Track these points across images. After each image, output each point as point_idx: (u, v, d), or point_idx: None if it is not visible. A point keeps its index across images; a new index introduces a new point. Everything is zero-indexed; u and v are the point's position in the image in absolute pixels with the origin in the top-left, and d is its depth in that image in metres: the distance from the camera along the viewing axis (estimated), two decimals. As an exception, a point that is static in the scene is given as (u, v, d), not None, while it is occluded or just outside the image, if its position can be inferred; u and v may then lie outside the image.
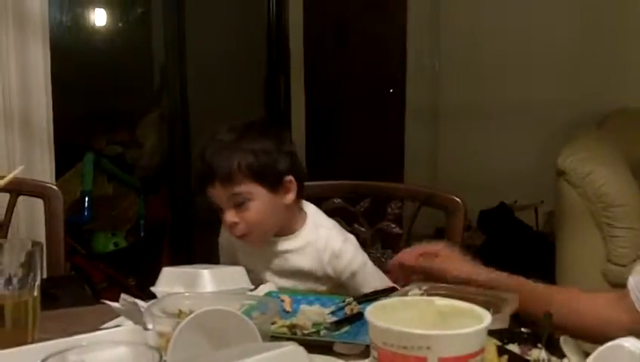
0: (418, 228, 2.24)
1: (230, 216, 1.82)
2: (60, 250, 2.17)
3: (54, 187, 2.27)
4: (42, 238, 2.21)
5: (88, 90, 4.55)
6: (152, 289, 1.57)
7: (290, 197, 1.85)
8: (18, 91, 2.68)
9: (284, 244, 1.89)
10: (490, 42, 5.26)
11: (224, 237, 1.98)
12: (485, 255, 4.25)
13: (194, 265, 1.62)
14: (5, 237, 2.20)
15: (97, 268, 3.94)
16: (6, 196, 2.22)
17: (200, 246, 4.51)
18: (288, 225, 1.90)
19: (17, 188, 2.19)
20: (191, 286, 1.53)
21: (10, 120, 2.69)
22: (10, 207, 2.22)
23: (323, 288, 1.87)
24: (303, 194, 1.91)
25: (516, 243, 4.36)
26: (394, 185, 2.20)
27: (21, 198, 2.27)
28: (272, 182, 1.82)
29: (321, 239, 1.89)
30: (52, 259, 2.14)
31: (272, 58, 5.09)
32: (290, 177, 1.84)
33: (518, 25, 5.18)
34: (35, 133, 2.73)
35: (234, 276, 1.62)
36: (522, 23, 5.17)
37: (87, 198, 3.93)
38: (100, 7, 4.84)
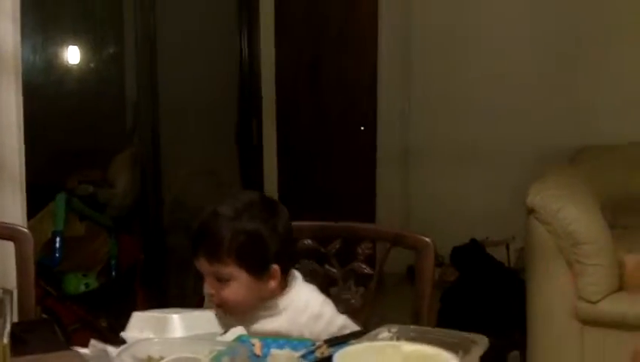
0: (390, 266, 2.25)
1: (209, 288, 1.83)
2: (31, 293, 2.14)
3: (25, 230, 2.25)
4: (13, 281, 2.19)
5: (60, 129, 4.53)
6: (122, 334, 1.56)
7: (273, 284, 1.84)
8: (-11, 132, 2.67)
9: (264, 310, 1.87)
10: (461, 81, 5.33)
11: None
12: (459, 291, 4.31)
13: (164, 310, 1.62)
14: (-25, 281, 2.18)
15: (69, 310, 3.89)
16: (-25, 240, 2.21)
17: (173, 286, 4.48)
18: (269, 296, 1.88)
19: (-14, 232, 2.17)
20: (161, 332, 1.52)
21: (-19, 162, 2.67)
22: (-20, 251, 2.21)
23: None
24: (290, 269, 1.90)
25: (488, 279, 4.37)
26: (363, 226, 2.21)
27: (-9, 241, 2.25)
28: (257, 268, 1.81)
29: (301, 301, 1.88)
30: (23, 302, 2.11)
31: (245, 98, 5.12)
32: (276, 266, 1.83)
33: (488, 65, 5.25)
34: (7, 175, 2.70)
35: (204, 320, 1.62)
36: (493, 62, 5.24)
37: (58, 239, 3.90)
38: (73, 46, 4.84)
